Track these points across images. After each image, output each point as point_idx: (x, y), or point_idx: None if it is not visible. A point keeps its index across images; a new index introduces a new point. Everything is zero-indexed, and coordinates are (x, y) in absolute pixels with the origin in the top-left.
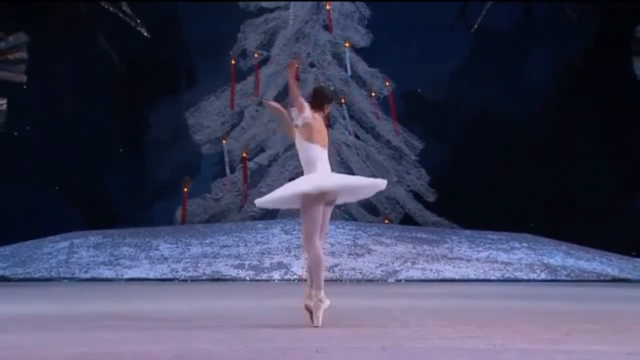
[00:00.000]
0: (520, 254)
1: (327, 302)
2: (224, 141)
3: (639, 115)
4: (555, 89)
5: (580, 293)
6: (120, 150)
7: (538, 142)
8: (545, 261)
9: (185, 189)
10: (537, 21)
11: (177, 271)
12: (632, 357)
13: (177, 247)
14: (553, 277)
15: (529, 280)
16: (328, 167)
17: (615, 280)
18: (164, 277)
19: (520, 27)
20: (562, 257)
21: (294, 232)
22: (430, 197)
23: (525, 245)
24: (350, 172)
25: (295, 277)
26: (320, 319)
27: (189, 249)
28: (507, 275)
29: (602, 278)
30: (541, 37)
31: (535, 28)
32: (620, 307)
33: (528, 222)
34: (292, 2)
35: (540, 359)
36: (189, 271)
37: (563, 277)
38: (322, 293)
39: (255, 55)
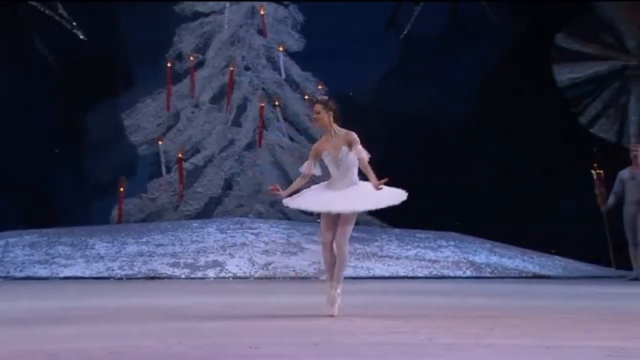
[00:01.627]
0: (447, 252)
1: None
2: (160, 142)
3: (562, 119)
4: (481, 91)
5: (503, 289)
6: (57, 150)
7: (465, 142)
8: (470, 259)
9: (121, 189)
10: (464, 27)
11: (113, 269)
12: (551, 350)
13: (113, 246)
14: (478, 274)
15: (455, 278)
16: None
17: (536, 276)
18: (100, 275)
19: (447, 32)
20: (486, 255)
21: (228, 231)
22: None
23: (452, 243)
24: (284, 172)
25: (230, 275)
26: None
27: (124, 248)
28: (434, 272)
29: (523, 275)
30: (468, 42)
31: (462, 33)
32: (541, 303)
33: (455, 221)
34: (227, 7)
35: (463, 352)
36: (125, 269)
37: (487, 274)
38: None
39: (191, 58)
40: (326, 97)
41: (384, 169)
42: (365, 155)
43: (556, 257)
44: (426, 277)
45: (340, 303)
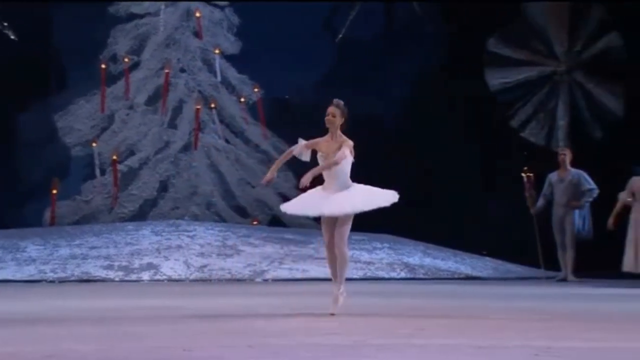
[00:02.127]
0: (381, 254)
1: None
2: (94, 144)
3: (494, 123)
4: (416, 94)
5: (435, 290)
6: None
7: (400, 144)
8: (404, 260)
9: (54, 191)
10: (399, 31)
11: (45, 272)
12: (481, 350)
13: (45, 248)
14: (412, 276)
15: (389, 279)
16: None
17: (468, 278)
18: (31, 278)
19: (382, 36)
20: (420, 256)
21: (163, 234)
22: None
23: (387, 245)
24: (220, 175)
25: (165, 277)
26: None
27: (57, 250)
28: (369, 274)
29: (456, 276)
30: (403, 46)
31: (397, 37)
32: (472, 303)
33: (389, 222)
34: (162, 9)
35: (395, 353)
36: (57, 272)
37: (421, 276)
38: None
39: (126, 60)
40: (343, 103)
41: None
42: (340, 158)
43: (487, 258)
44: (361, 279)
45: (342, 303)
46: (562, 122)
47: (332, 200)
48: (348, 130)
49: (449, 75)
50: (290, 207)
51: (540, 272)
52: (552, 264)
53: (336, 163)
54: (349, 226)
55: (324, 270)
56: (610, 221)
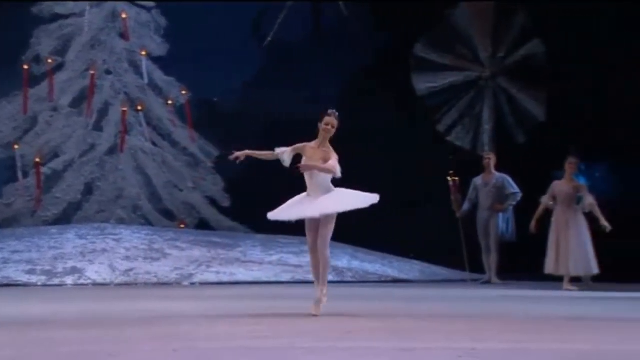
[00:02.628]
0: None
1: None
2: (16, 146)
3: (421, 127)
4: (344, 97)
5: (363, 293)
6: None
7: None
8: (332, 263)
9: None
10: (328, 33)
11: None
12: (406, 352)
13: None
14: (340, 279)
15: None
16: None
17: (395, 280)
18: None
19: (310, 38)
20: (348, 259)
21: (88, 237)
22: (225, 203)
23: None
24: (147, 178)
25: (89, 282)
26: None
27: None
28: (297, 277)
29: (383, 279)
30: (331, 48)
31: (325, 39)
32: (399, 306)
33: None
34: (88, 10)
35: (321, 356)
36: None
37: (349, 279)
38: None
39: (49, 61)
40: (337, 114)
41: (249, 172)
42: (334, 167)
43: (414, 261)
44: (289, 282)
45: (325, 304)
46: (487, 127)
47: (315, 203)
48: (276, 132)
49: (378, 78)
50: (276, 214)
51: (466, 275)
52: (477, 267)
53: (331, 172)
54: (331, 229)
55: (252, 274)
56: (533, 224)
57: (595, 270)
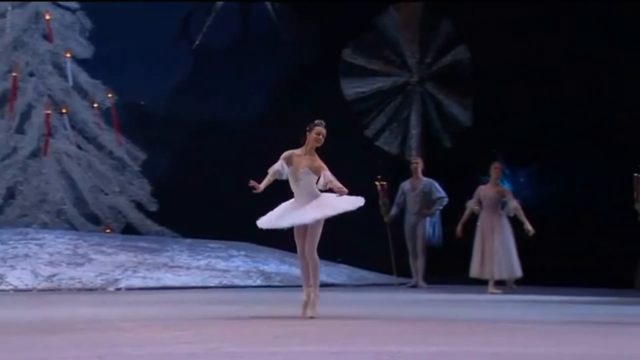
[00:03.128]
0: (238, 262)
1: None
2: None
3: (351, 132)
4: (272, 102)
5: (291, 298)
6: None
7: (257, 152)
8: (261, 268)
9: None
10: (256, 39)
11: None
12: (335, 356)
13: None
14: (268, 283)
15: (245, 287)
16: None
17: (323, 285)
18: None
19: (239, 43)
20: (276, 264)
21: (10, 242)
22: (153, 207)
23: (243, 253)
24: (72, 182)
25: (11, 287)
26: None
27: None
28: (225, 282)
29: None
30: (259, 54)
31: (254, 44)
32: (326, 310)
33: (247, 230)
34: (10, 11)
35: None
36: None
37: (277, 283)
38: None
39: None
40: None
41: (176, 177)
42: (332, 178)
43: (342, 265)
44: (217, 287)
45: (318, 307)
46: (414, 132)
47: (302, 210)
48: (204, 136)
49: (306, 83)
50: (265, 222)
51: (393, 279)
52: (404, 271)
53: (342, 191)
54: (317, 234)
55: (179, 279)
56: (459, 229)
57: (518, 273)
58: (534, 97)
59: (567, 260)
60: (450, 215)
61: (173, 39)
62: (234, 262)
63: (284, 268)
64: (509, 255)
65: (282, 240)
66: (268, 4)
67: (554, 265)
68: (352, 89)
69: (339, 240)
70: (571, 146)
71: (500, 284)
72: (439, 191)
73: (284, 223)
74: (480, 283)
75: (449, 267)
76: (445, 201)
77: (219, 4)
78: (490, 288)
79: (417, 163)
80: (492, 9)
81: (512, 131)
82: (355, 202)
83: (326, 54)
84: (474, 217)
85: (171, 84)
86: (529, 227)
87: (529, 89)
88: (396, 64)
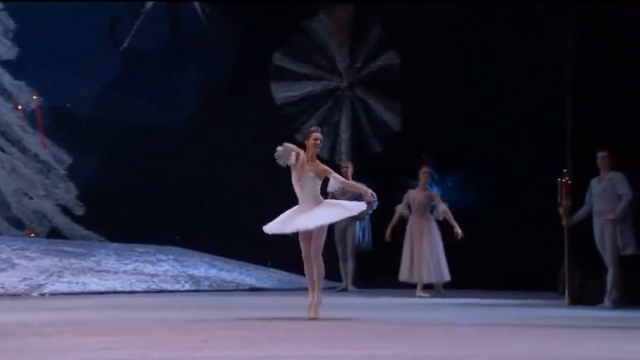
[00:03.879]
0: (166, 266)
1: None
2: None
3: (279, 134)
4: (201, 104)
5: (221, 302)
6: None
7: (185, 155)
8: (189, 272)
9: None
10: (185, 42)
11: None
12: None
13: None
14: (197, 288)
15: (173, 291)
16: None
17: (252, 289)
18: None
19: (168, 45)
20: (205, 268)
21: None
22: (79, 211)
23: (172, 257)
24: None
25: None
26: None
27: None
28: (152, 286)
29: (241, 287)
30: (189, 55)
31: (183, 48)
32: (256, 314)
33: (175, 234)
34: None
35: None
36: None
37: (206, 287)
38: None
39: None
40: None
41: (103, 181)
42: (342, 179)
43: (272, 269)
44: (144, 291)
45: (319, 308)
46: (344, 136)
47: (307, 216)
48: (131, 139)
49: (236, 86)
50: (271, 228)
51: (324, 283)
52: (334, 275)
53: (365, 191)
54: (322, 239)
55: (106, 284)
56: (388, 233)
57: (446, 277)
58: (463, 101)
59: (494, 264)
60: (380, 219)
61: (101, 41)
62: (162, 267)
63: (213, 272)
64: (437, 259)
65: (211, 245)
66: (197, 5)
67: (481, 268)
68: (282, 92)
69: (269, 244)
70: (498, 150)
71: (428, 287)
72: None
73: (289, 229)
74: (409, 287)
75: (379, 271)
76: (375, 205)
77: (148, 5)
78: (419, 292)
79: (347, 167)
80: (422, 13)
81: (441, 135)
82: (357, 207)
83: (256, 55)
84: (403, 222)
85: (98, 85)
86: (458, 230)
87: (458, 92)
88: (326, 68)
